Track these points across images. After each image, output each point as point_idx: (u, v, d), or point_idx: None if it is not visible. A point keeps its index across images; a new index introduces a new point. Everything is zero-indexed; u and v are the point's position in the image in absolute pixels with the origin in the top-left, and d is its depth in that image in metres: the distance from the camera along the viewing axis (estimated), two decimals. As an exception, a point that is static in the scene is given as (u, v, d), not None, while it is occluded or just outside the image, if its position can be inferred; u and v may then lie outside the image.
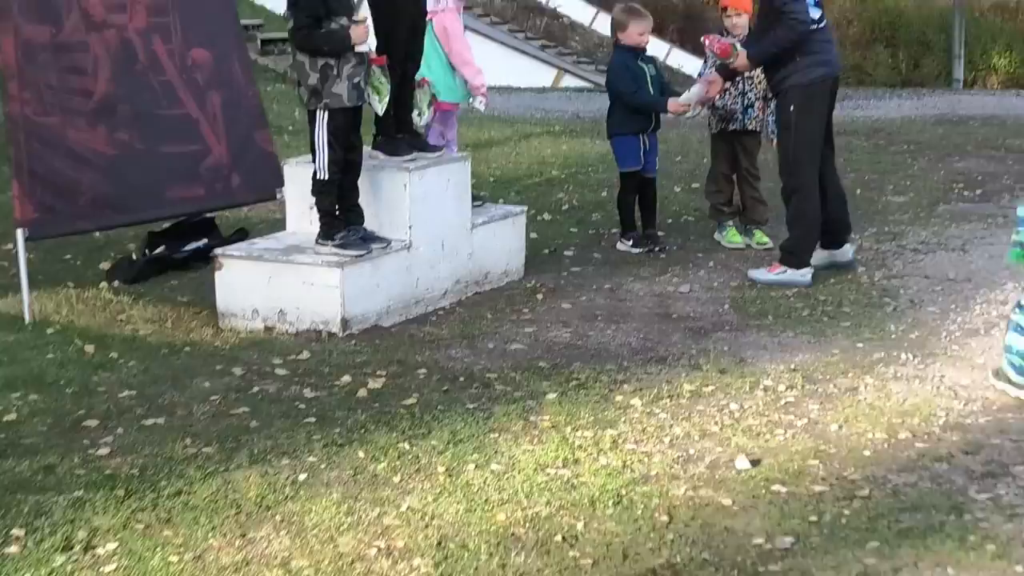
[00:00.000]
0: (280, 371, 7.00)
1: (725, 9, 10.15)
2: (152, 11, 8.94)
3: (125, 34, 8.74)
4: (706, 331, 7.88)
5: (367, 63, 7.68)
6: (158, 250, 9.21)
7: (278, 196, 9.59)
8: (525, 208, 9.53)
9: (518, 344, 7.57)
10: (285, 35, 9.86)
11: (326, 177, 7.61)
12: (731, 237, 10.27)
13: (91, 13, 8.54)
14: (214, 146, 9.24)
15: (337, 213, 7.74)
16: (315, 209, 7.94)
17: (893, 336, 7.69)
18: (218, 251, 8.04)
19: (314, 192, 7.71)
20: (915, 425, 6.17)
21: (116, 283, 8.77)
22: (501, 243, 9.00)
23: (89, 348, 7.36)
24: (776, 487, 5.45)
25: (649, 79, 10.01)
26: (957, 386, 6.73)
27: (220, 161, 9.26)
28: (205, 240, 9.52)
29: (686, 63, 30.31)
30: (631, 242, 10.08)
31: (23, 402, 6.48)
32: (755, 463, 5.69)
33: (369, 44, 7.59)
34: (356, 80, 7.57)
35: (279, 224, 10.00)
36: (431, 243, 8.27)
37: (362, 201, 7.96)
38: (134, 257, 9.12)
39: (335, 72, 7.49)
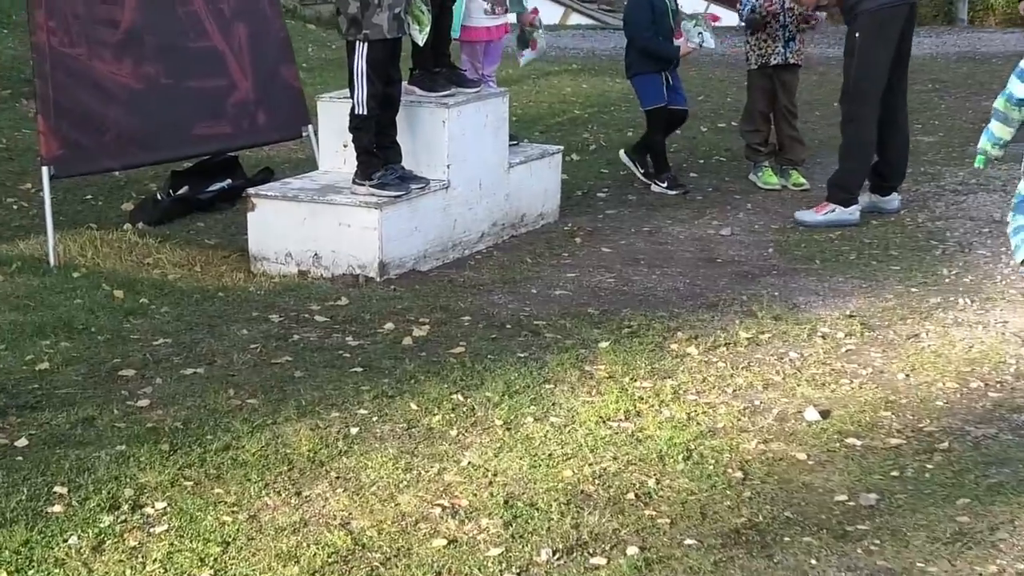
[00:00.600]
0: (319, 318, 6.73)
1: None
2: (177, -61, 8.59)
3: (152, -36, 8.39)
4: (753, 276, 7.62)
5: None
6: (182, 190, 8.90)
7: (303, 134, 9.31)
8: (562, 148, 9.24)
9: (562, 290, 7.31)
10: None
11: (364, 112, 7.31)
12: (767, 178, 9.98)
13: (117, -60, 8.19)
14: (240, 81, 8.93)
15: (375, 151, 7.42)
16: (350, 147, 7.65)
17: (947, 280, 7.45)
18: (251, 191, 7.75)
19: (351, 128, 7.42)
20: (985, 374, 5.93)
21: (140, 225, 8.48)
22: (538, 184, 8.72)
23: (118, 293, 7.09)
24: (850, 440, 5.21)
25: (669, 13, 9.66)
26: (1023, 333, 6.47)
27: (246, 97, 8.97)
28: (229, 180, 9.24)
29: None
30: (665, 183, 9.78)
31: (54, 350, 6.21)
32: (825, 415, 5.45)
33: None
34: (397, 10, 7.27)
35: (303, 164, 9.77)
36: (469, 183, 8.00)
37: (399, 138, 7.63)
38: (158, 197, 8.81)
39: (376, 2, 7.17)
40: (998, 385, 5.79)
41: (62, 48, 7.80)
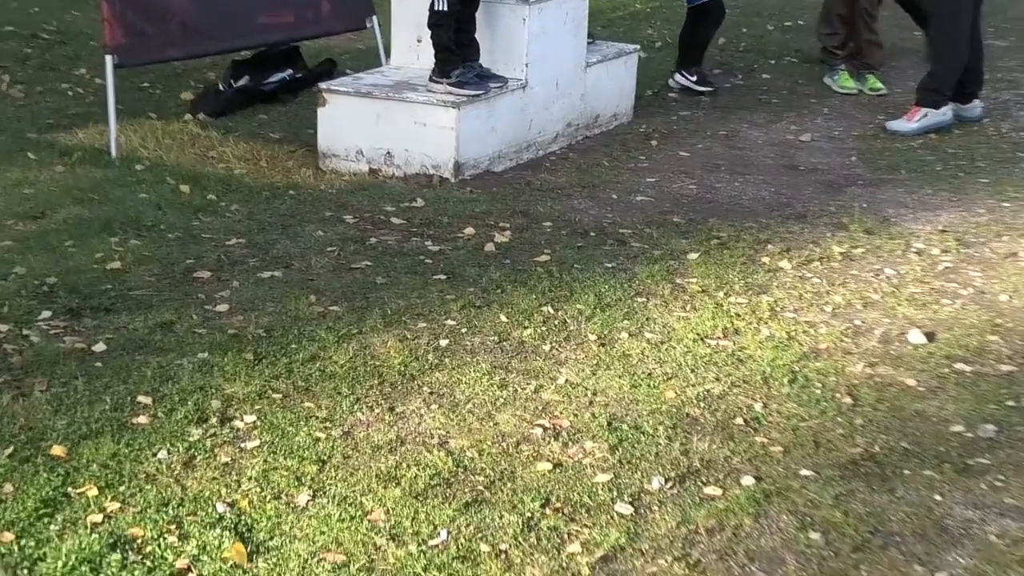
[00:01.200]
0: (396, 220, 6.51)
1: None
2: None
3: None
4: (839, 185, 7.37)
5: None
6: (242, 81, 8.63)
7: (368, 25, 9.04)
8: (638, 47, 8.92)
9: (643, 196, 7.07)
10: None
11: (445, 8, 7.04)
12: (843, 82, 9.68)
13: None
14: (315, -32, 8.62)
15: (453, 48, 7.14)
16: (424, 42, 7.41)
17: (1040, 196, 7.17)
18: (322, 85, 7.48)
19: (430, 24, 7.14)
20: (1093, 298, 5.67)
21: (202, 116, 8.24)
22: (613, 84, 8.45)
23: (184, 188, 6.87)
24: (959, 366, 4.99)
25: None
26: (1126, 254, 6.23)
27: (311, -14, 8.65)
28: (290, 71, 9.00)
29: None
30: (695, 78, 9.43)
31: (124, 248, 6.00)
32: (930, 337, 5.23)
33: None
34: (480, -97, 6.96)
35: (364, 56, 9.53)
36: (546, 83, 7.73)
37: (476, 35, 7.35)
38: (220, 88, 8.55)
39: None
40: (1107, 311, 5.54)
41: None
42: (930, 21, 8.59)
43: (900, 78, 10.07)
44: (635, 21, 12.19)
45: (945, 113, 8.47)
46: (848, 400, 4.69)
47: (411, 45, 7.76)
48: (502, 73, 7.46)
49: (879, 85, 9.62)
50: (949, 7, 8.42)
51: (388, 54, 8.56)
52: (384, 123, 7.22)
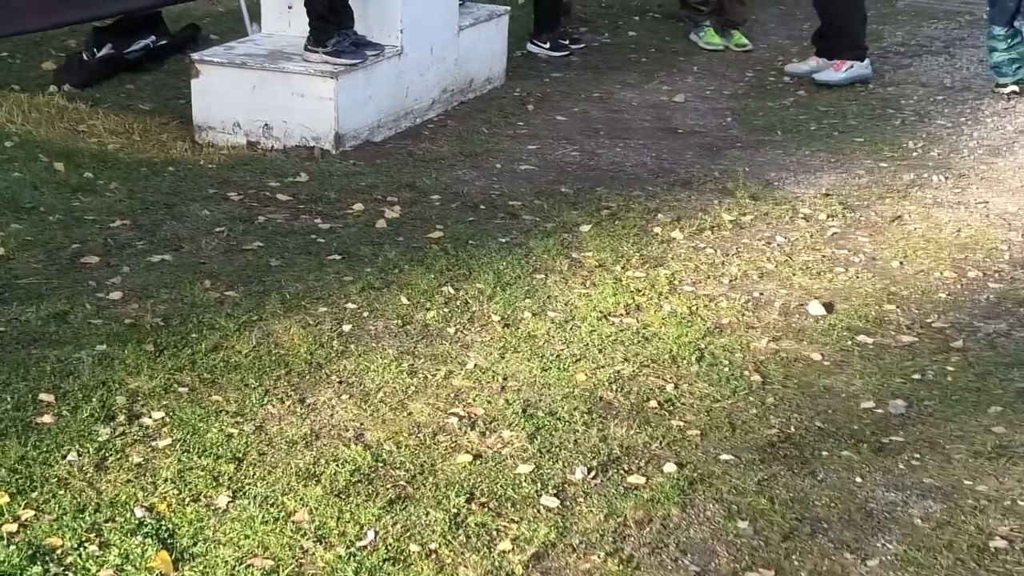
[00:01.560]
0: (281, 196, 6.39)
1: None
2: None
3: None
4: (718, 148, 7.42)
5: None
6: (105, 48, 8.38)
7: (230, -12, 8.84)
8: (508, 9, 8.84)
9: (527, 164, 7.03)
10: None
11: (320, -24, 6.89)
12: (709, 38, 9.73)
13: None
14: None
15: (328, 16, 7.01)
16: (295, 8, 7.32)
17: (914, 154, 7.33)
18: (194, 56, 7.30)
19: (304, -9, 7.00)
20: (980, 261, 5.82)
21: (67, 87, 7.97)
22: (486, 47, 8.38)
23: (59, 166, 6.66)
24: (861, 338, 5.07)
25: None
26: (1006, 214, 6.37)
27: (175, -52, 8.43)
28: (152, 37, 8.74)
29: None
30: (548, 45, 9.38)
31: (6, 232, 5.79)
32: (829, 308, 5.30)
33: None
34: None
35: (224, 19, 9.38)
36: (421, 48, 7.63)
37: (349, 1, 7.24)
38: (84, 57, 8.29)
39: None
40: (996, 275, 5.68)
41: None
42: None
43: (764, 32, 10.19)
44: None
45: (868, 65, 8.74)
46: (757, 378, 4.72)
47: (282, 12, 7.62)
48: (376, 40, 7.34)
49: (744, 41, 9.69)
50: None
51: (252, 18, 8.40)
52: (261, 95, 7.08)
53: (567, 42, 9.44)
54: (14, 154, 6.83)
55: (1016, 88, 8.29)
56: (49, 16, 7.73)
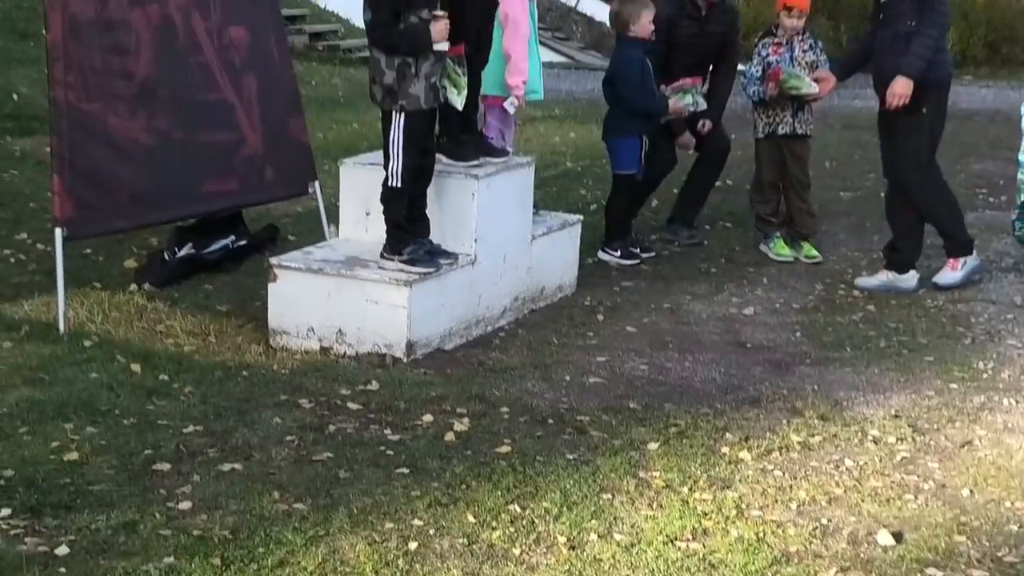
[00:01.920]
0: (352, 405, 6.44)
1: (789, 9, 9.59)
2: (192, -17, 8.32)
3: (166, 9, 8.11)
4: (787, 364, 7.43)
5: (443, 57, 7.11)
6: (186, 248, 8.58)
7: (310, 191, 9.06)
8: (581, 218, 8.98)
9: (596, 377, 7.07)
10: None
11: (399, 185, 7.05)
12: (779, 249, 9.81)
13: (135, -14, 7.91)
14: (249, 135, 8.66)
15: (405, 224, 7.16)
16: (373, 215, 7.49)
17: (984, 376, 7.29)
18: (273, 261, 7.45)
19: (383, 200, 7.16)
20: (1052, 493, 5.72)
21: (147, 286, 8.17)
22: (558, 255, 8.50)
23: (136, 367, 6.77)
24: (931, 571, 5.00)
25: (652, 74, 9.43)
26: (1078, 444, 6.31)
27: (254, 152, 8.70)
28: (232, 237, 8.97)
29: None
30: (619, 253, 9.52)
31: (80, 436, 5.88)
32: (898, 538, 5.24)
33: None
34: (433, 80, 7.02)
35: (303, 218, 9.55)
36: (494, 257, 7.76)
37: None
38: (165, 257, 8.49)
39: (413, 71, 6.92)
40: (1068, 507, 5.59)
41: (79, 104, 7.51)
42: (917, 195, 8.84)
43: (833, 244, 10.26)
44: (567, 181, 12.31)
45: (977, 257, 8.97)
46: (824, 610, 4.67)
47: (360, 218, 7.78)
48: (451, 247, 7.48)
49: (814, 252, 9.76)
50: (932, 176, 8.84)
51: (330, 219, 8.59)
52: (336, 300, 7.20)
53: (638, 250, 9.58)
54: (93, 354, 6.96)
55: None
56: (131, 217, 7.91)
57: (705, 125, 9.89)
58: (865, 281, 9.03)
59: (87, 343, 7.15)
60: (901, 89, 8.47)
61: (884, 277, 8.99)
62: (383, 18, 6.90)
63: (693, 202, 10.29)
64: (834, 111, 16.64)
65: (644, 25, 9.32)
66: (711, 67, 9.99)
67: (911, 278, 9.00)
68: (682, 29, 9.75)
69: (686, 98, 9.57)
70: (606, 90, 9.62)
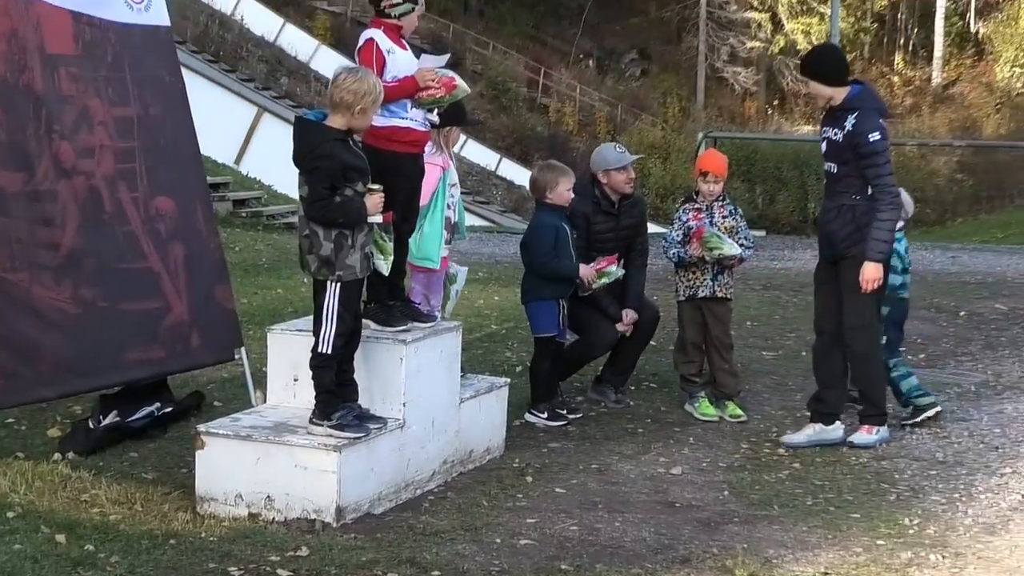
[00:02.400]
0: (282, 572, 6.38)
1: (705, 174, 9.84)
2: (119, 157, 8.43)
3: (92, 181, 8.20)
4: (716, 523, 7.47)
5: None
6: (111, 416, 8.53)
7: (236, 357, 9.07)
8: (508, 380, 9.04)
9: (527, 539, 7.06)
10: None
11: (329, 351, 7.09)
12: (704, 409, 9.90)
13: (62, 159, 8.02)
14: (175, 303, 8.69)
15: (334, 389, 7.18)
16: (300, 380, 7.52)
17: (911, 532, 7.36)
18: (200, 427, 7.42)
19: (313, 366, 7.18)
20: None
21: (71, 455, 8.08)
22: (486, 418, 8.53)
23: (60, 538, 6.67)
24: None
25: (570, 240, 9.59)
26: (1007, 598, 6.36)
27: (180, 319, 8.72)
28: (157, 404, 8.91)
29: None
30: (545, 414, 9.57)
31: (5, 615, 5.78)
32: None
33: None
34: (367, 249, 7.13)
35: (229, 385, 9.50)
36: (423, 421, 7.78)
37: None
38: (90, 425, 8.42)
39: (349, 242, 7.03)
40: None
41: (5, 274, 7.56)
42: (858, 356, 9.02)
43: (757, 402, 10.36)
44: (492, 343, 12.37)
45: (885, 431, 9.16)
46: None
47: (288, 383, 7.78)
48: (379, 412, 7.50)
49: (739, 412, 9.86)
50: (871, 343, 9.01)
51: (256, 385, 8.59)
52: (264, 466, 7.17)
53: (564, 411, 9.62)
54: (16, 525, 6.86)
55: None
56: (55, 386, 7.88)
57: (628, 315, 10.00)
58: (791, 438, 9.13)
59: (10, 514, 7.04)
60: (872, 274, 8.78)
61: (811, 431, 9.10)
62: (319, 193, 7.00)
63: (623, 367, 10.36)
64: (753, 272, 16.90)
65: (561, 192, 9.51)
66: (622, 259, 10.15)
67: (837, 428, 9.13)
68: (599, 224, 9.94)
69: (606, 278, 9.69)
70: (523, 254, 9.78)
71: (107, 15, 8.58)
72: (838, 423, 9.17)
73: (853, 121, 8.75)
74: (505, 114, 53.53)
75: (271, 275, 16.10)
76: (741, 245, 9.78)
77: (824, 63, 9.26)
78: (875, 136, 8.68)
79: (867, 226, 8.70)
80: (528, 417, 9.55)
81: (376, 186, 7.12)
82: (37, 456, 8.06)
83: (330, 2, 58.11)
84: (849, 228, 8.82)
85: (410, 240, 8.14)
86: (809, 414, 9.32)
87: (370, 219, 7.10)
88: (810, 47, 57.42)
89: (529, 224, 10.15)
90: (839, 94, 8.90)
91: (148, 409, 8.83)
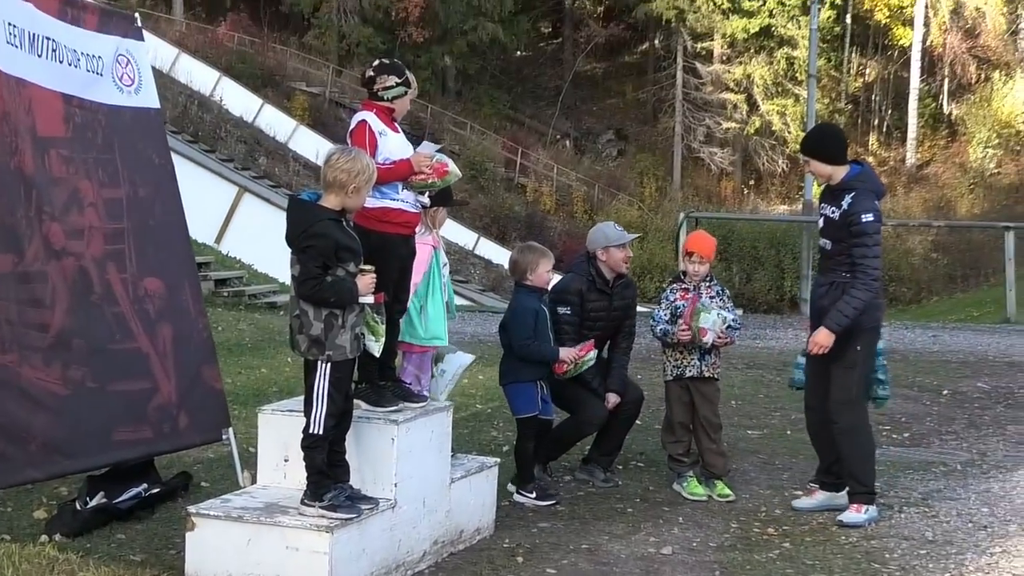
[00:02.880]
0: (274, 654, 6.32)
1: (691, 254, 9.91)
2: (109, 238, 8.46)
3: (82, 262, 8.22)
4: (708, 604, 7.42)
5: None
6: (98, 497, 8.48)
7: (224, 437, 9.05)
8: (499, 460, 9.03)
9: (520, 620, 7.01)
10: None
11: (320, 432, 7.08)
12: (692, 488, 9.89)
13: (51, 240, 8.02)
14: (163, 383, 8.69)
15: (326, 470, 7.16)
16: (291, 461, 7.50)
17: (903, 614, 7.31)
18: (191, 509, 7.38)
19: (304, 446, 7.17)
20: None
21: (58, 536, 8.02)
22: (476, 498, 8.51)
23: (47, 625, 6.60)
24: None
25: (549, 322, 9.62)
26: None
27: (168, 400, 8.73)
28: (145, 485, 8.86)
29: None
30: (534, 494, 9.53)
31: None
32: None
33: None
34: (358, 330, 7.13)
35: (217, 465, 9.49)
36: (414, 501, 7.75)
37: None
38: (77, 507, 8.37)
39: (339, 322, 7.04)
40: None
41: (-7, 357, 7.50)
42: (842, 432, 9.11)
43: (745, 481, 10.34)
44: (478, 422, 12.37)
45: (876, 510, 9.20)
46: None
47: (278, 464, 7.76)
48: (371, 492, 7.47)
49: (727, 491, 9.84)
50: (858, 421, 9.13)
51: (243, 465, 8.56)
52: (256, 547, 7.13)
53: (552, 491, 9.59)
54: (3, 612, 6.80)
55: None
56: (44, 467, 7.84)
57: (610, 399, 10.03)
58: (802, 503, 9.32)
59: (-3, 599, 6.98)
60: (823, 340, 8.92)
61: (822, 497, 9.36)
62: (311, 271, 7.01)
63: (610, 447, 10.36)
64: (736, 351, 16.89)
65: (541, 274, 9.56)
66: (608, 341, 10.20)
67: (846, 496, 9.18)
68: (592, 302, 10.00)
69: (584, 366, 9.72)
70: (502, 335, 9.78)
71: (97, 97, 8.65)
72: (847, 489, 9.23)
73: (849, 200, 8.88)
74: (483, 194, 53.73)
75: (255, 354, 16.09)
76: (729, 327, 9.81)
77: (825, 143, 9.39)
78: (868, 217, 8.80)
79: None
80: (517, 497, 9.53)
81: (368, 267, 7.14)
82: (24, 538, 8.00)
83: (308, 83, 58.42)
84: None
85: (415, 321, 8.21)
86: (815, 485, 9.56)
87: (361, 299, 7.11)
88: (785, 127, 58.35)
89: (508, 305, 10.15)
90: (838, 173, 9.03)
91: (135, 490, 8.78)
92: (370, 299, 7.18)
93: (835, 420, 9.10)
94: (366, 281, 7.10)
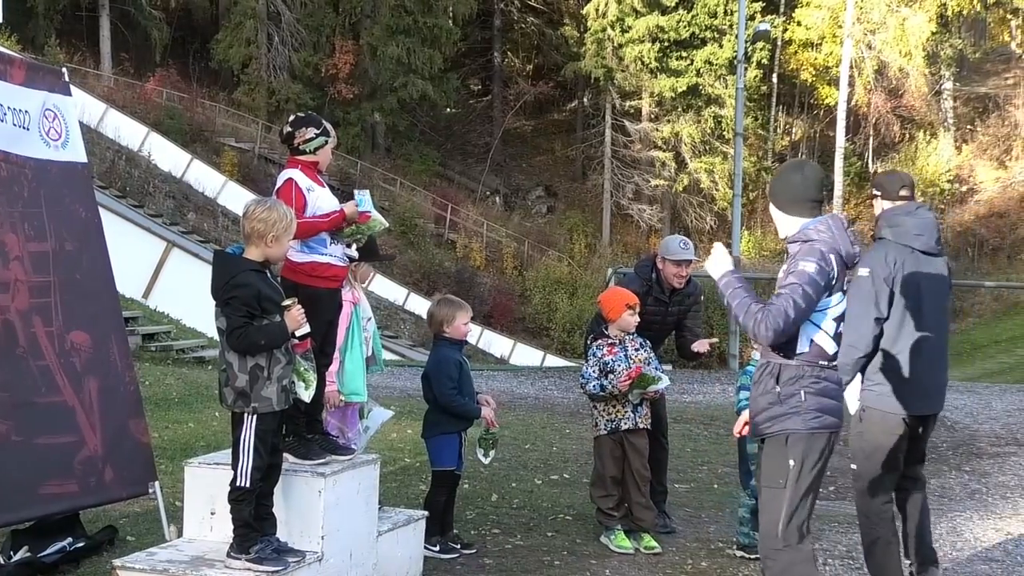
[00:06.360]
0: None
1: (633, 308, 10.00)
2: (35, 292, 8.41)
3: (7, 316, 8.16)
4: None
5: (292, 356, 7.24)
6: (22, 551, 8.43)
7: (150, 491, 9.01)
8: (426, 513, 9.04)
9: None
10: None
11: (247, 485, 7.06)
12: (619, 541, 9.94)
13: (-25, 294, 7.96)
14: (89, 437, 8.63)
15: (253, 523, 7.15)
16: (217, 514, 7.47)
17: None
18: (116, 562, 7.34)
19: (231, 499, 7.14)
20: None
21: (-19, 590, 7.95)
22: (404, 551, 8.53)
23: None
24: None
25: (468, 373, 9.72)
26: None
27: (94, 453, 8.65)
28: (70, 539, 8.81)
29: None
30: (437, 548, 9.51)
31: None
32: None
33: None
34: (285, 382, 7.12)
35: (142, 519, 9.44)
36: (341, 554, 7.75)
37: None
38: (1, 561, 8.31)
39: (265, 374, 7.02)
40: None
41: (-81, 409, 7.43)
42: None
43: (671, 535, 10.38)
44: (406, 476, 12.37)
45: None
46: None
47: (204, 517, 7.73)
48: (298, 545, 7.46)
49: (654, 544, 9.91)
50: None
51: (170, 519, 8.53)
52: (182, 602, 7.09)
53: (458, 545, 9.58)
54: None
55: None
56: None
57: (703, 345, 10.69)
58: None
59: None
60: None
61: None
62: (236, 322, 7.01)
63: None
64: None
65: (458, 326, 9.62)
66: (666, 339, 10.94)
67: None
68: (648, 306, 10.41)
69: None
70: (425, 388, 9.80)
71: (24, 151, 8.62)
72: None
73: (796, 249, 8.65)
74: (413, 249, 53.78)
75: (182, 409, 16.02)
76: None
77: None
78: (810, 266, 7.68)
79: (791, 398, 6.70)
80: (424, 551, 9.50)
81: (289, 300, 7.13)
82: (-53, 595, 7.92)
83: (238, 139, 58.39)
84: (769, 398, 6.83)
85: (335, 376, 8.20)
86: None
87: (298, 333, 7.10)
88: (713, 184, 58.76)
89: (430, 357, 10.16)
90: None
91: (60, 544, 8.73)
92: (306, 329, 7.15)
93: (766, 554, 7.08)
94: (294, 315, 7.09)
